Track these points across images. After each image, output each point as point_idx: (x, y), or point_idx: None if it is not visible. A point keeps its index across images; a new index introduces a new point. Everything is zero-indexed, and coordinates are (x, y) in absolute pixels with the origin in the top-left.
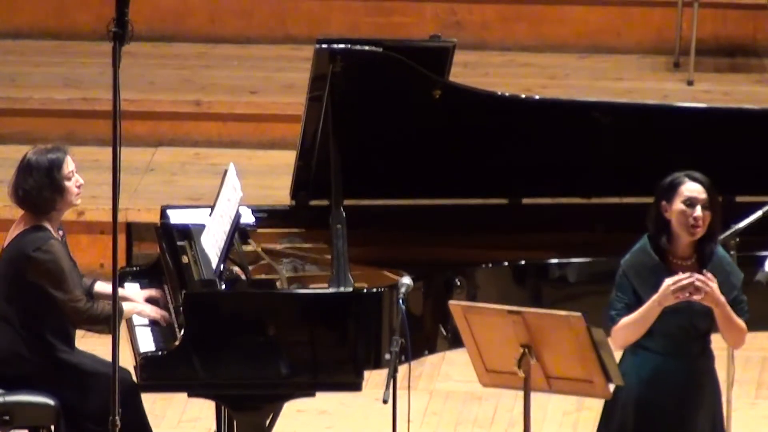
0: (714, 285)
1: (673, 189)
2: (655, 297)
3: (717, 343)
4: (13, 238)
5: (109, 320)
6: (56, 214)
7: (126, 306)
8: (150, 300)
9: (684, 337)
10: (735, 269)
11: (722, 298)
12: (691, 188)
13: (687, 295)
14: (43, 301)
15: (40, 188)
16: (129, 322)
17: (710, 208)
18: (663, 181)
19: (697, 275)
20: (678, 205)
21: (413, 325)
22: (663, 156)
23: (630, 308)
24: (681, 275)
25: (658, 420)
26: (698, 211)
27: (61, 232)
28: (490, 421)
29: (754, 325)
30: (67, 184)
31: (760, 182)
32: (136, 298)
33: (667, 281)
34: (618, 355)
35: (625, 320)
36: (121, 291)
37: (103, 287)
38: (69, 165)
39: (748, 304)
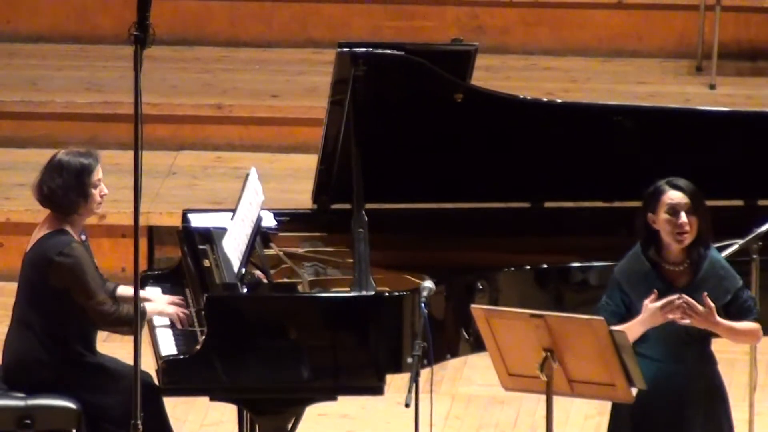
0: (701, 309)
1: (656, 199)
2: (639, 318)
3: (739, 347)
4: (35, 241)
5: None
6: (78, 218)
7: (148, 306)
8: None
9: (679, 343)
10: (730, 273)
11: (717, 320)
12: (673, 196)
13: (677, 316)
14: (66, 305)
15: (66, 189)
16: (150, 324)
17: (695, 212)
18: (646, 192)
19: (685, 297)
20: (662, 214)
21: (435, 328)
22: (685, 160)
23: (616, 315)
24: (669, 297)
25: (655, 426)
26: (683, 217)
27: (83, 237)
28: (513, 425)
29: None
30: (93, 191)
31: None
32: (158, 301)
33: (648, 303)
34: None
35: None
36: (142, 293)
37: (125, 290)
38: (99, 173)
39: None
